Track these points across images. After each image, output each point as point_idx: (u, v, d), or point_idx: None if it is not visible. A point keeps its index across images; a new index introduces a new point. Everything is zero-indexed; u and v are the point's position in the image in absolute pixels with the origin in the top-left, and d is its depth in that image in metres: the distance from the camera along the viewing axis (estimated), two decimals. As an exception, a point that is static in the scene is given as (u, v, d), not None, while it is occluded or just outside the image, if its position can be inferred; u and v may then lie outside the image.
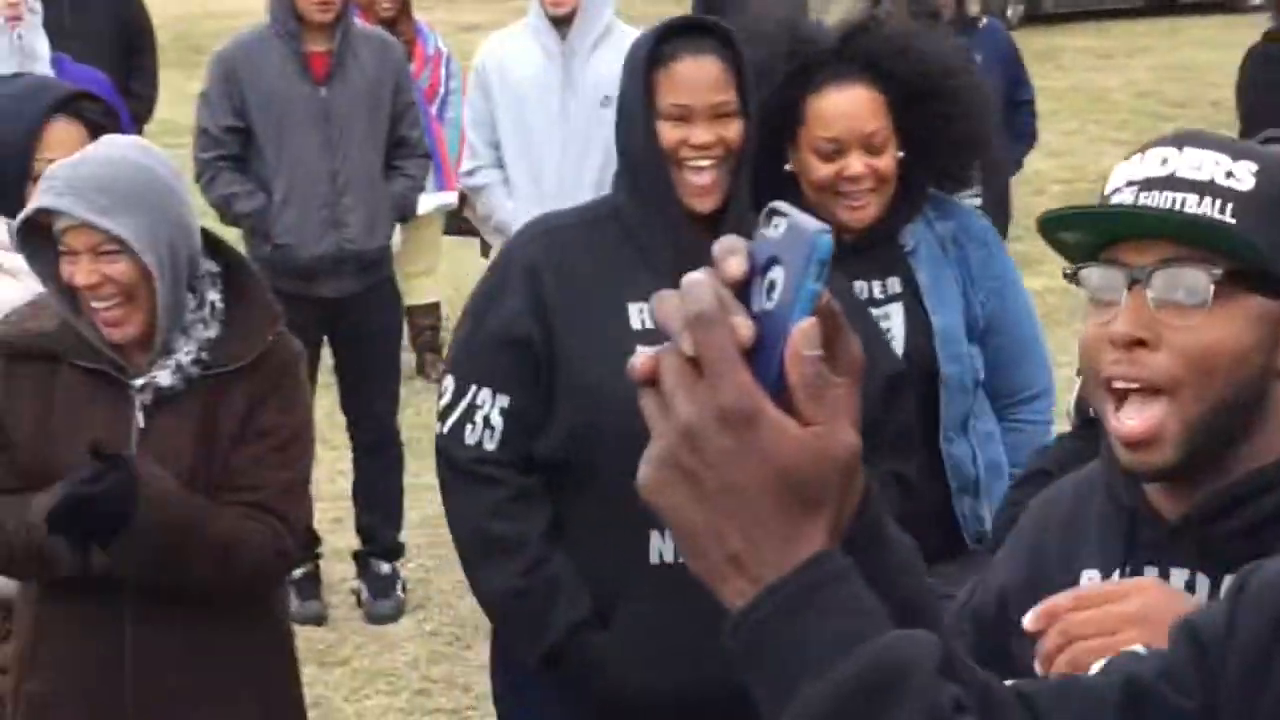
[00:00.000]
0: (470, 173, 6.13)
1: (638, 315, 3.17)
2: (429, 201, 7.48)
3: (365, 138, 5.91)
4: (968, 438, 3.55)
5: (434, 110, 7.55)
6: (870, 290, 3.47)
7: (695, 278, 1.15)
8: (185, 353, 3.21)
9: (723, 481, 1.13)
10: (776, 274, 1.15)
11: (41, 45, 5.96)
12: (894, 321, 3.48)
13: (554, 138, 5.94)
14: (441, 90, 7.61)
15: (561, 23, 5.94)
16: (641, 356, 1.16)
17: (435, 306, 8.52)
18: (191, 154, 6.03)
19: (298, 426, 3.34)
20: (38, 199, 3.15)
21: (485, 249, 7.39)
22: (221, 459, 3.23)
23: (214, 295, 3.27)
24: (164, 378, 3.20)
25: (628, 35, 6.01)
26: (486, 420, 3.20)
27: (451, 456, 3.24)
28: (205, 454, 3.22)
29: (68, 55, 6.08)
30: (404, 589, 6.22)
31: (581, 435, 3.16)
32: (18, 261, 3.41)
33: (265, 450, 3.27)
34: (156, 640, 3.24)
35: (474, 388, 3.21)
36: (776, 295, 1.15)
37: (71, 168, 3.16)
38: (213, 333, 3.25)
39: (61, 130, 3.71)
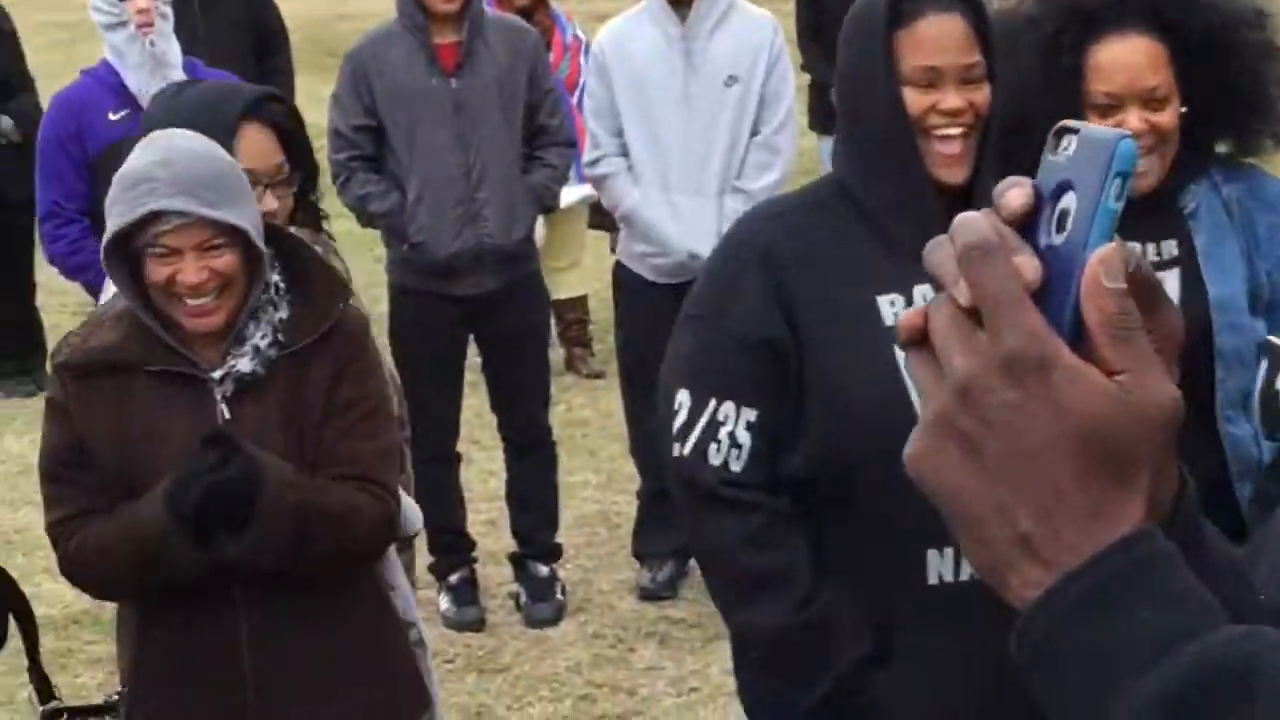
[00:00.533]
0: (593, 163, 5.94)
1: (889, 309, 2.85)
2: (572, 194, 7.33)
3: (500, 129, 5.73)
4: (1249, 417, 3.24)
5: (574, 100, 7.39)
6: (1144, 253, 3.15)
7: (969, 214, 0.96)
8: (260, 336, 3.18)
9: (1009, 445, 0.93)
10: (1068, 201, 0.96)
11: (174, 52, 5.86)
12: (1168, 287, 3.14)
13: (677, 122, 5.75)
14: (581, 79, 7.44)
15: (680, 5, 5.76)
16: (908, 313, 0.97)
17: (583, 300, 8.38)
18: (326, 156, 5.93)
19: (380, 394, 3.31)
20: (141, 205, 3.04)
21: (615, 244, 7.20)
22: (311, 436, 3.18)
23: (274, 276, 3.24)
24: (244, 364, 3.16)
25: (748, 15, 5.87)
26: (732, 437, 2.86)
27: (695, 481, 2.90)
28: (295, 434, 3.17)
29: (200, 60, 5.98)
30: (563, 591, 6.06)
31: (836, 448, 2.82)
32: None
33: (353, 421, 3.23)
34: (273, 641, 3.21)
35: (714, 401, 2.87)
36: (1069, 225, 0.95)
37: (163, 167, 3.06)
38: (283, 313, 3.22)
39: (253, 135, 3.57)
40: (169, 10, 5.90)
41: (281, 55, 7.59)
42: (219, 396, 3.16)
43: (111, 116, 5.64)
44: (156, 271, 3.08)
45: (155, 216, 3.04)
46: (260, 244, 3.12)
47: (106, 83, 5.76)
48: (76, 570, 3.24)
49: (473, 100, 5.68)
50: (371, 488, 3.23)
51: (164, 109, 3.64)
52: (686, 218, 5.76)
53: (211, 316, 3.12)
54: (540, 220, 6.53)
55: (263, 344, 3.17)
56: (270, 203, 3.54)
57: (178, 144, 3.16)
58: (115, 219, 3.06)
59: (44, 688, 3.21)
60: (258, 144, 3.56)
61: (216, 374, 3.16)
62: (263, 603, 3.20)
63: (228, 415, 3.16)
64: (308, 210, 3.77)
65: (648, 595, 6.04)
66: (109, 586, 3.31)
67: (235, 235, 3.10)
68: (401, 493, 3.69)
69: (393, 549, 3.82)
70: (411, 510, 3.75)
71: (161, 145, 3.14)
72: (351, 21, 16.31)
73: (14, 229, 8.05)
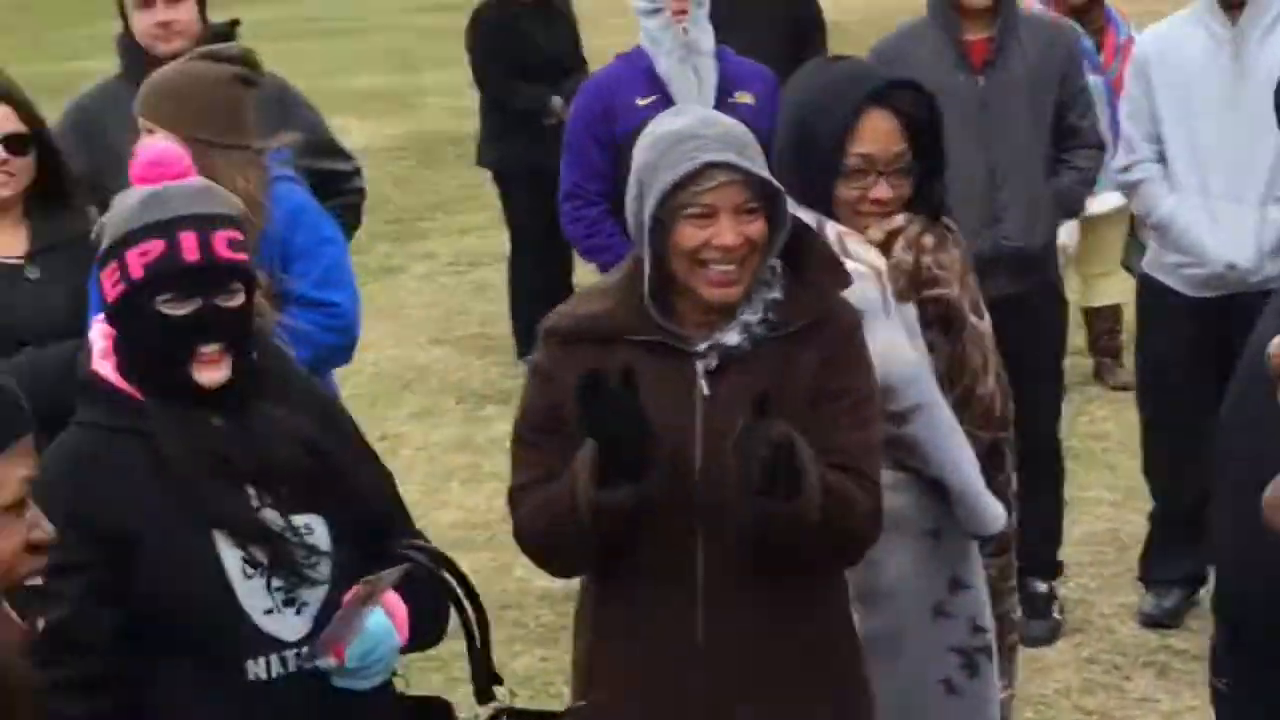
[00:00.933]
0: (1126, 168, 5.71)
1: None
2: (1111, 200, 7.08)
3: (1026, 129, 5.55)
4: None
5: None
6: None
7: None
8: (751, 313, 3.15)
9: None
10: None
11: (706, 39, 5.89)
12: None
13: (1221, 127, 5.45)
14: (1131, 81, 7.17)
15: (1233, 8, 5.46)
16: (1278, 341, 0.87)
17: (1116, 309, 8.07)
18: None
19: (869, 387, 3.23)
20: (694, 158, 3.04)
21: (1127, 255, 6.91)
22: (795, 422, 3.07)
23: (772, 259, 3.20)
24: (730, 338, 3.14)
25: None
26: None
27: None
28: (778, 415, 3.08)
29: (731, 49, 6.00)
30: (1061, 610, 5.84)
31: None
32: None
33: (841, 411, 3.17)
34: (730, 629, 3.15)
35: None
36: None
37: (707, 126, 3.10)
38: (776, 294, 3.17)
39: (876, 122, 3.57)
40: (705, -2, 5.94)
41: (814, 47, 7.54)
42: (700, 370, 3.15)
43: (639, 101, 5.70)
44: (691, 235, 3.08)
45: (701, 172, 3.05)
46: (786, 212, 3.11)
47: (638, 67, 5.84)
48: (522, 534, 3.24)
49: (999, 98, 5.52)
50: (863, 481, 3.16)
51: (801, 84, 3.71)
52: (1226, 225, 5.47)
53: (733, 288, 3.12)
54: (1074, 225, 6.32)
55: (752, 320, 3.16)
56: (884, 190, 3.54)
57: (702, 112, 3.21)
58: (666, 174, 3.07)
59: (485, 687, 3.08)
60: (880, 130, 3.55)
61: (701, 346, 3.15)
62: (723, 599, 3.15)
63: (707, 390, 3.14)
64: (925, 200, 3.69)
65: (1150, 622, 5.77)
66: (549, 550, 3.25)
67: (764, 202, 3.09)
68: (987, 490, 3.61)
69: (973, 545, 3.73)
70: (995, 509, 3.65)
71: (688, 112, 3.21)
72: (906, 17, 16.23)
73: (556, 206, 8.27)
